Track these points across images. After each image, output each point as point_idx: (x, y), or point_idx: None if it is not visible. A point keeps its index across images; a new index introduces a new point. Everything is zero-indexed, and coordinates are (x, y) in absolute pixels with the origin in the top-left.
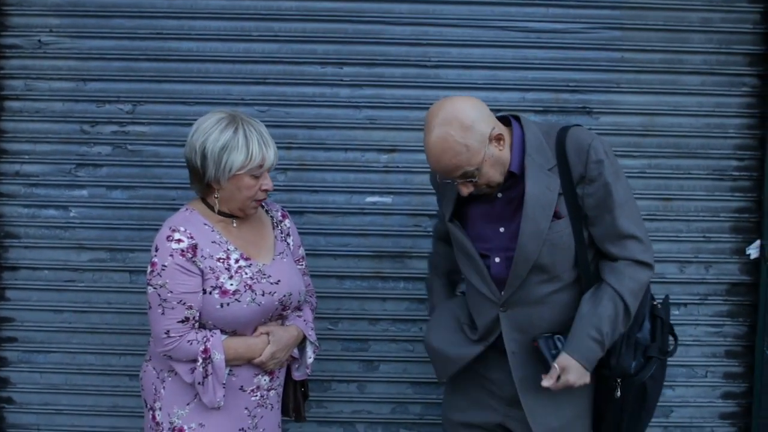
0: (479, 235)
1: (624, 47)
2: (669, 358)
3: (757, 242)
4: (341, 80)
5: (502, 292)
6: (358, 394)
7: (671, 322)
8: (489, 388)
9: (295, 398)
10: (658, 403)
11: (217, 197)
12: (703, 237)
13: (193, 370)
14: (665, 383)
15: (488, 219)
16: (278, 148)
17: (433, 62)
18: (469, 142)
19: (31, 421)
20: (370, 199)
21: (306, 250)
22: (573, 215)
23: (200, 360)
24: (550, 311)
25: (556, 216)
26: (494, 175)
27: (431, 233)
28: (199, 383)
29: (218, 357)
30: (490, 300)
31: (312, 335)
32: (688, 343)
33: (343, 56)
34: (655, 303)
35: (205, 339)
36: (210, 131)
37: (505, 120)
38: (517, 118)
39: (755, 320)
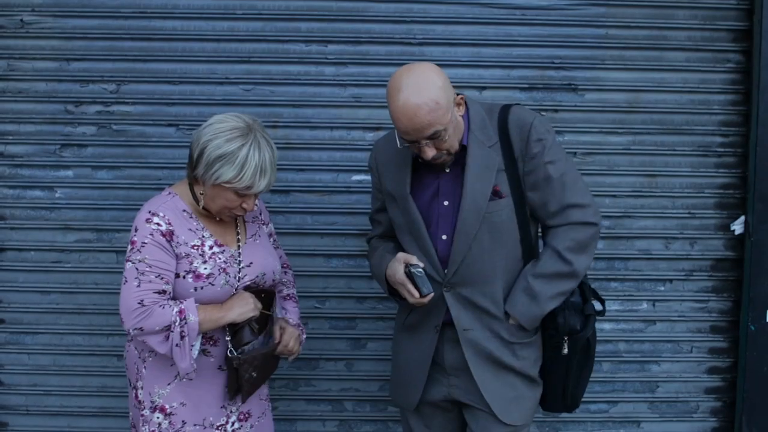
0: (426, 210)
1: (609, 24)
2: (654, 333)
3: (742, 218)
4: (326, 58)
5: (446, 271)
6: (346, 372)
7: None
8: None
9: (237, 380)
10: (644, 379)
11: (202, 194)
12: (688, 213)
13: (167, 337)
14: (651, 358)
15: (435, 194)
16: (264, 126)
17: (417, 40)
18: (441, 100)
19: (20, 402)
20: (356, 177)
21: (293, 229)
22: (515, 193)
23: (177, 320)
24: (492, 289)
25: (497, 195)
26: (455, 140)
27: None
28: (176, 345)
29: (192, 319)
30: (434, 280)
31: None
32: (673, 318)
33: (327, 34)
34: None
35: (178, 303)
36: (218, 135)
37: None
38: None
39: (740, 296)
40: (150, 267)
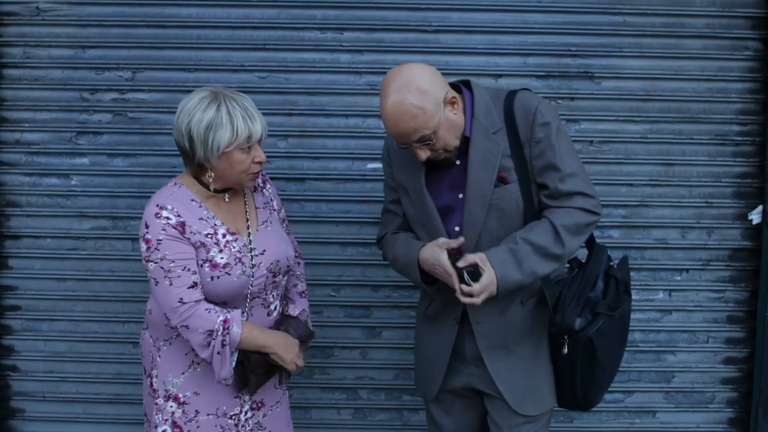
0: (441, 203)
1: (626, 11)
2: (670, 323)
3: (759, 207)
4: (341, 46)
5: None
6: (360, 360)
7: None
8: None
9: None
10: (660, 369)
11: (210, 176)
12: (705, 202)
13: (209, 344)
14: (667, 348)
15: (450, 186)
16: (278, 114)
17: (433, 27)
18: (425, 105)
19: (36, 388)
20: (371, 165)
21: (308, 217)
22: (522, 178)
23: (221, 330)
24: None
25: (503, 181)
26: (450, 139)
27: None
28: (218, 352)
29: (236, 330)
30: None
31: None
32: (690, 308)
33: (343, 21)
34: (611, 264)
35: (226, 311)
36: (193, 112)
37: (455, 87)
38: (467, 85)
39: (757, 286)
40: (174, 262)
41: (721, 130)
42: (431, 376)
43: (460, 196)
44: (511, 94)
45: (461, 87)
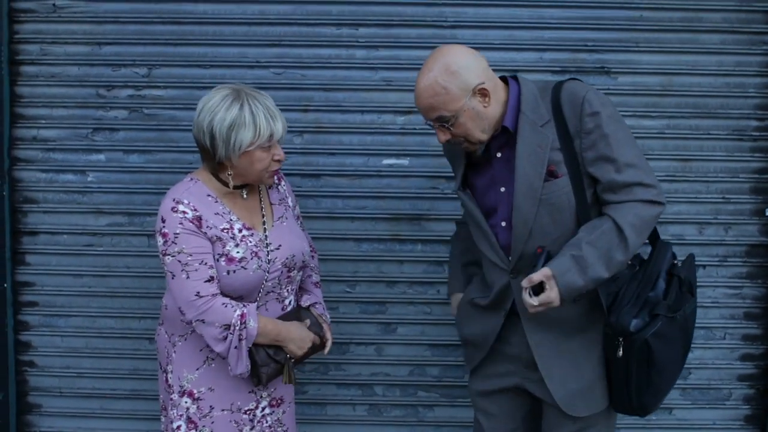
0: (485, 198)
1: (642, 5)
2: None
3: None
4: (357, 41)
5: (510, 257)
6: (376, 356)
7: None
8: (505, 351)
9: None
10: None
11: (230, 174)
12: (722, 198)
13: (225, 338)
14: None
15: (490, 180)
16: (294, 110)
17: (449, 22)
18: (450, 86)
19: (53, 384)
20: (387, 161)
21: (323, 212)
22: (572, 172)
23: (238, 324)
24: None
25: (553, 175)
26: (473, 129)
27: (450, 195)
28: (235, 347)
29: (252, 325)
30: (500, 267)
31: (327, 315)
32: (706, 305)
33: (358, 17)
34: (675, 262)
35: (242, 306)
36: (216, 110)
37: (503, 80)
38: (516, 78)
39: None
40: (191, 255)
41: (739, 125)
42: (472, 355)
43: (502, 189)
44: (558, 85)
45: (509, 79)
